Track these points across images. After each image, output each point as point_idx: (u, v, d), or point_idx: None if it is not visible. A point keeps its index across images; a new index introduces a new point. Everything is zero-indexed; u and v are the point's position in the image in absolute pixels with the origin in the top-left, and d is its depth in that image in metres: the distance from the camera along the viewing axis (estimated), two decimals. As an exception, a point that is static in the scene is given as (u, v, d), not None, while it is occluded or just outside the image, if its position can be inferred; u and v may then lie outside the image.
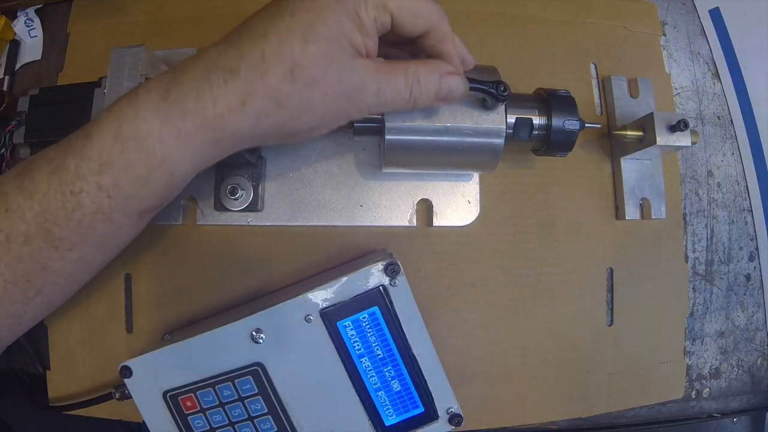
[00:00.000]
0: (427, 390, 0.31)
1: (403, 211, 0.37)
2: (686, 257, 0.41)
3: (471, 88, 0.29)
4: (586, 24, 0.41)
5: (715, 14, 0.44)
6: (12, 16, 0.41)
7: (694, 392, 0.41)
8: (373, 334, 0.31)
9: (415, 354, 0.31)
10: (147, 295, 0.36)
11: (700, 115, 0.43)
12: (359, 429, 0.32)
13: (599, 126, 0.37)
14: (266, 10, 0.25)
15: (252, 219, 0.36)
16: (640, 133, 0.36)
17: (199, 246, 0.36)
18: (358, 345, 0.31)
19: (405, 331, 0.31)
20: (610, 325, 0.39)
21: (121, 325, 0.36)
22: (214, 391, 0.30)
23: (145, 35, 0.39)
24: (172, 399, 0.31)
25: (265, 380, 0.30)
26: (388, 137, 0.30)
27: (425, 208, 0.37)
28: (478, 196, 0.37)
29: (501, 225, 0.38)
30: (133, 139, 0.24)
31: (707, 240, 0.42)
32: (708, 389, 0.41)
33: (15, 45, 0.41)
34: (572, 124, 0.33)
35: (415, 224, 0.37)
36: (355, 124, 0.31)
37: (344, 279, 0.30)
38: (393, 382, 0.31)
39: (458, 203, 0.37)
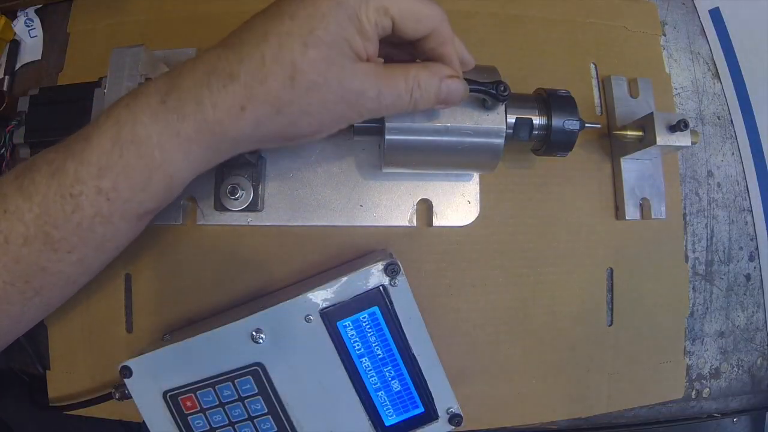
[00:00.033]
0: (427, 390, 0.31)
1: (403, 211, 0.37)
2: (686, 257, 0.41)
3: (471, 90, 0.29)
4: (586, 24, 0.41)
5: (715, 14, 0.44)
6: (12, 16, 0.41)
7: (694, 392, 0.41)
8: (373, 334, 0.31)
9: (415, 354, 0.31)
10: (147, 295, 0.36)
11: (700, 115, 0.43)
12: (359, 429, 0.32)
13: (599, 126, 0.37)
14: (266, 13, 0.25)
15: (252, 219, 0.36)
16: (640, 133, 0.36)
17: (199, 246, 0.36)
18: (358, 345, 0.31)
19: (405, 331, 0.31)
20: (610, 325, 0.39)
21: (121, 325, 0.36)
22: (214, 391, 0.30)
23: (145, 35, 0.39)
24: (172, 399, 0.31)
25: (265, 380, 0.30)
26: (388, 137, 0.30)
27: (425, 208, 0.37)
28: (478, 196, 0.37)
29: (501, 225, 0.38)
30: (132, 143, 0.24)
31: (707, 240, 0.42)
32: (708, 389, 0.41)
33: (15, 45, 0.41)
34: (572, 124, 0.33)
35: (415, 224, 0.37)
36: (355, 125, 0.31)
37: (344, 279, 0.30)
38: (393, 382, 0.31)
39: (458, 203, 0.37)
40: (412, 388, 0.31)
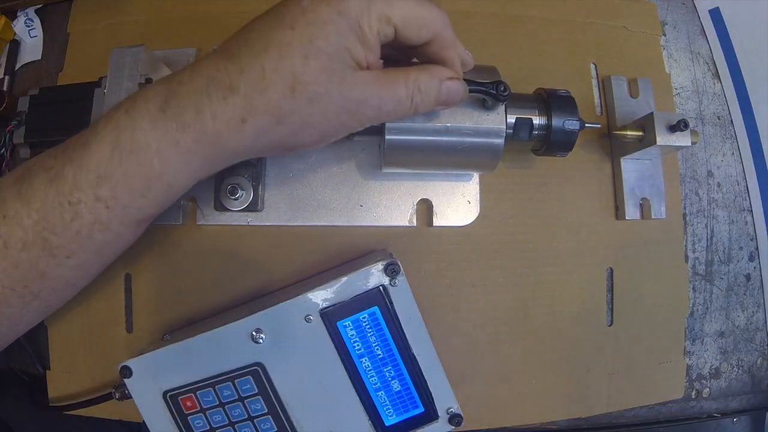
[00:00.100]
0: (427, 390, 0.31)
1: (403, 211, 0.37)
2: (686, 257, 0.41)
3: (471, 91, 0.29)
4: (586, 24, 0.41)
5: (715, 14, 0.44)
6: (12, 16, 0.41)
7: (694, 392, 0.41)
8: (373, 334, 0.31)
9: (415, 354, 0.31)
10: (147, 295, 0.36)
11: (700, 115, 0.43)
12: (359, 429, 0.32)
13: (599, 126, 0.37)
14: (266, 20, 0.24)
15: (252, 219, 0.36)
16: (640, 133, 0.36)
17: (199, 246, 0.36)
18: (358, 345, 0.31)
19: (405, 331, 0.31)
20: (610, 325, 0.39)
21: (121, 325, 0.36)
22: (214, 391, 0.30)
23: (145, 35, 0.39)
24: (172, 399, 0.31)
25: (265, 380, 0.30)
26: (388, 137, 0.30)
27: (425, 208, 0.37)
28: (478, 196, 0.37)
29: (501, 225, 0.38)
30: (131, 151, 0.24)
31: (707, 240, 0.42)
32: (708, 389, 0.41)
33: (15, 45, 0.41)
34: (572, 124, 0.33)
35: (415, 224, 0.37)
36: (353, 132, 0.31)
37: (344, 279, 0.30)
38: (393, 382, 0.31)
39: (458, 203, 0.37)
40: (412, 388, 0.31)
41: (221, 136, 0.24)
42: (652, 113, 0.35)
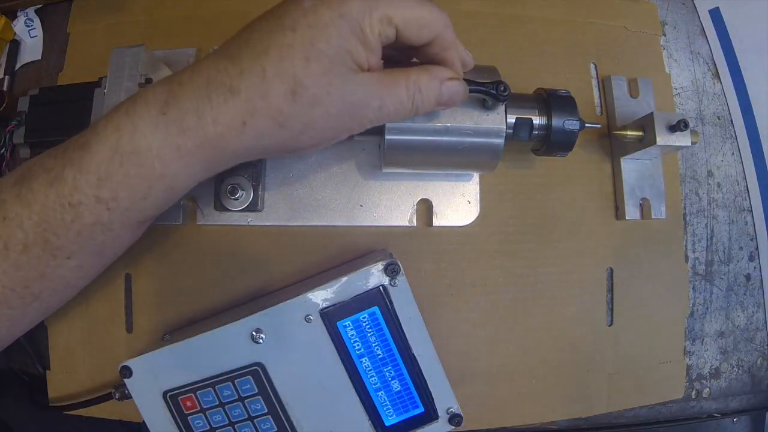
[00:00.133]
0: (427, 390, 0.31)
1: (403, 211, 0.37)
2: (686, 257, 0.41)
3: (471, 91, 0.29)
4: (586, 24, 0.41)
5: (715, 14, 0.44)
6: (12, 16, 0.41)
7: (694, 392, 0.41)
8: (373, 334, 0.31)
9: (415, 354, 0.31)
10: (147, 295, 0.36)
11: (700, 115, 0.43)
12: (359, 429, 0.32)
13: (599, 126, 0.37)
14: (266, 21, 0.24)
15: (252, 219, 0.36)
16: (640, 133, 0.36)
17: (199, 246, 0.36)
18: (358, 345, 0.31)
19: (405, 331, 0.31)
20: (610, 325, 0.39)
21: (121, 325, 0.36)
22: (214, 391, 0.30)
23: (145, 35, 0.39)
24: (172, 399, 0.31)
25: (265, 380, 0.30)
26: (388, 137, 0.30)
27: (425, 208, 0.37)
28: (478, 196, 0.37)
29: (501, 225, 0.38)
30: (132, 153, 0.24)
31: (707, 240, 0.42)
32: (708, 389, 0.41)
33: (15, 45, 0.41)
34: (572, 124, 0.33)
35: (415, 224, 0.37)
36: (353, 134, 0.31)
37: (344, 279, 0.30)
38: (393, 382, 0.31)
39: (458, 203, 0.37)
40: (412, 388, 0.31)
41: (222, 139, 0.24)
42: (652, 113, 0.35)
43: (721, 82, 0.44)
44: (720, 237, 0.42)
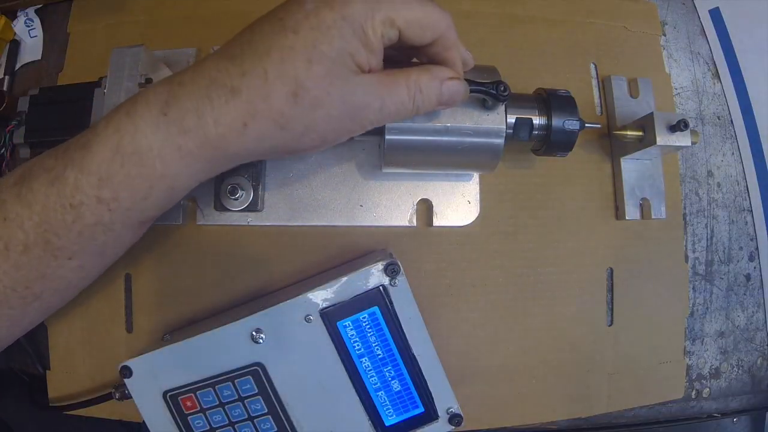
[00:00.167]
0: (427, 390, 0.31)
1: (403, 211, 0.37)
2: (686, 257, 0.41)
3: (471, 90, 0.29)
4: (586, 24, 0.41)
5: (715, 14, 0.44)
6: (12, 16, 0.41)
7: (694, 392, 0.41)
8: (373, 334, 0.31)
9: (415, 354, 0.31)
10: (147, 295, 0.36)
11: (700, 115, 0.43)
12: (359, 429, 0.32)
13: (599, 126, 0.37)
14: (268, 23, 0.24)
15: (252, 219, 0.36)
16: (640, 133, 0.36)
17: (199, 246, 0.36)
18: (358, 345, 0.31)
19: (405, 331, 0.31)
20: (610, 325, 0.39)
21: (121, 325, 0.36)
22: (214, 391, 0.30)
23: (145, 35, 0.39)
24: (172, 399, 0.31)
25: (265, 380, 0.30)
26: (388, 137, 0.30)
27: (425, 208, 0.37)
28: (478, 196, 0.37)
29: (501, 225, 0.38)
30: (133, 154, 0.24)
31: (707, 240, 0.42)
32: (708, 389, 0.41)
33: (15, 45, 0.41)
34: (572, 124, 0.33)
35: (415, 224, 0.37)
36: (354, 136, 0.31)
37: (344, 279, 0.30)
38: (393, 382, 0.31)
39: (458, 203, 0.37)
40: (412, 388, 0.31)
41: (223, 140, 0.24)
42: (652, 113, 0.35)
43: (721, 82, 0.44)
44: (720, 237, 0.42)
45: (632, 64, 0.41)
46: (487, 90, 0.29)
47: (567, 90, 0.34)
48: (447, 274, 0.37)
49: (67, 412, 0.35)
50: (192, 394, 0.30)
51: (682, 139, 0.35)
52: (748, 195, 0.43)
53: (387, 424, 0.32)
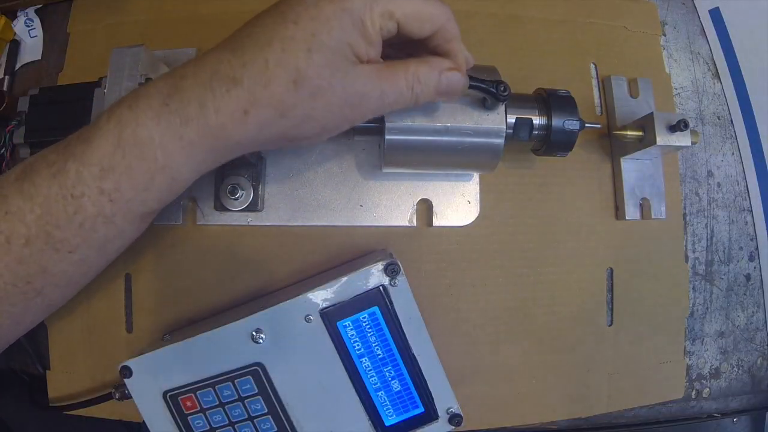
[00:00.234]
0: (427, 390, 0.31)
1: (403, 211, 0.37)
2: (686, 257, 0.41)
3: (471, 86, 0.29)
4: (586, 24, 0.41)
5: (715, 14, 0.44)
6: (12, 16, 0.41)
7: (694, 392, 0.41)
8: (373, 334, 0.31)
9: (415, 354, 0.31)
10: (147, 295, 0.36)
11: (700, 115, 0.43)
12: (359, 429, 0.32)
13: (599, 126, 0.37)
14: (269, 15, 0.25)
15: (252, 219, 0.36)
16: (640, 133, 0.36)
17: (199, 246, 0.36)
18: (358, 345, 0.31)
19: (405, 331, 0.31)
20: (610, 325, 0.39)
21: (121, 325, 0.36)
22: (214, 391, 0.30)
23: (145, 35, 0.39)
24: (172, 399, 0.31)
25: (265, 380, 0.30)
26: (388, 137, 0.30)
27: (425, 208, 0.37)
28: (478, 196, 0.37)
29: (501, 225, 0.38)
30: (135, 145, 0.24)
31: (707, 240, 0.42)
32: (708, 389, 0.41)
33: (15, 45, 0.41)
34: (572, 124, 0.33)
35: (415, 224, 0.37)
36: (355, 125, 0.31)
37: (344, 279, 0.30)
38: (393, 382, 0.31)
39: (458, 203, 0.37)
40: (412, 388, 0.31)
41: (224, 129, 0.24)
42: (652, 113, 0.35)
43: (721, 82, 0.44)
44: (720, 237, 0.42)
45: (632, 64, 0.41)
46: (487, 89, 0.29)
47: (567, 90, 0.34)
48: (447, 274, 0.37)
49: (67, 412, 0.35)
50: (192, 394, 0.30)
51: (682, 139, 0.35)
52: (748, 195, 0.43)
53: (387, 424, 0.32)
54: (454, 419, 0.32)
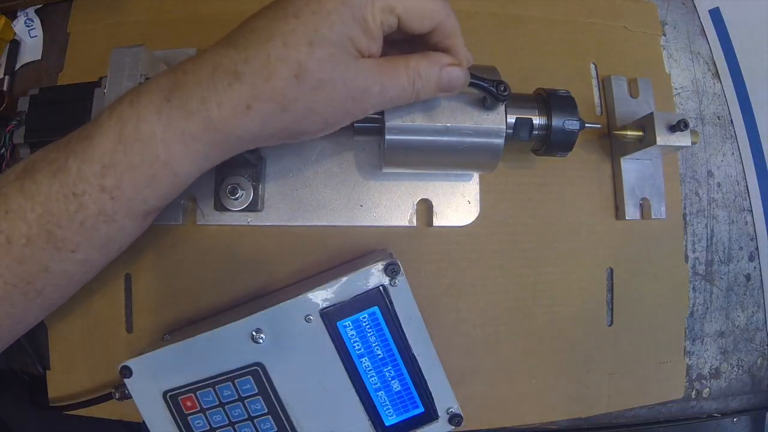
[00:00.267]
0: (427, 390, 0.31)
1: (403, 211, 0.37)
2: (686, 257, 0.41)
3: (471, 84, 0.29)
4: (586, 24, 0.41)
5: (715, 14, 0.44)
6: (12, 16, 0.41)
7: (694, 392, 0.41)
8: (373, 334, 0.31)
9: (415, 354, 0.31)
10: (147, 295, 0.36)
11: (700, 115, 0.43)
12: (359, 429, 0.32)
13: (599, 126, 0.37)
14: (270, 10, 0.25)
15: (252, 219, 0.36)
16: (640, 133, 0.36)
17: (199, 246, 0.36)
18: (358, 345, 0.31)
19: (405, 331, 0.31)
20: (610, 325, 0.39)
21: (121, 325, 0.36)
22: (214, 391, 0.30)
23: (145, 35, 0.39)
24: (172, 399, 0.31)
25: (265, 380, 0.30)
26: (388, 137, 0.30)
27: (425, 208, 0.37)
28: (478, 196, 0.37)
29: (501, 225, 0.38)
30: (137, 141, 0.24)
31: (707, 240, 0.42)
32: (708, 389, 0.41)
33: (15, 45, 0.41)
34: (572, 124, 0.33)
35: (415, 224, 0.37)
36: (355, 125, 0.31)
37: (344, 279, 0.30)
38: (393, 382, 0.31)
39: (458, 203, 0.37)
40: (412, 388, 0.31)
41: (227, 123, 0.24)
42: (652, 113, 0.35)
43: (721, 82, 0.44)
44: (720, 237, 0.42)
45: (632, 64, 0.41)
46: (488, 87, 0.29)
47: (567, 90, 0.34)
48: (447, 274, 0.37)
49: (67, 412, 0.35)
50: (192, 394, 0.30)
51: (682, 139, 0.35)
52: (748, 195, 0.43)
53: (387, 424, 0.32)
54: (454, 419, 0.32)
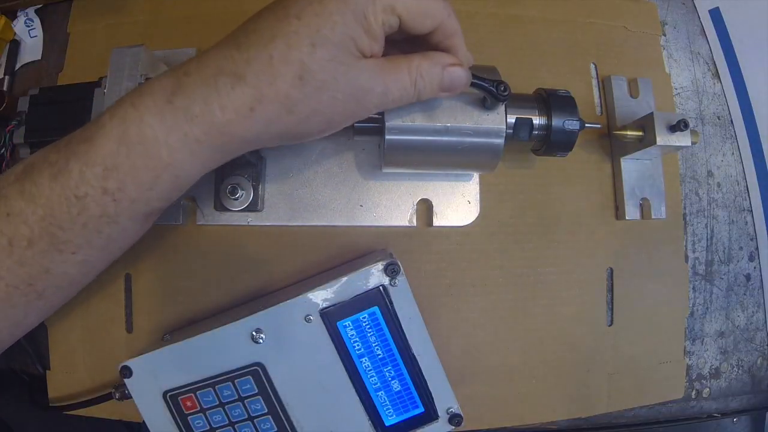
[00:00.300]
0: (427, 390, 0.31)
1: (403, 211, 0.37)
2: (686, 257, 0.41)
3: (472, 84, 0.29)
4: (586, 24, 0.41)
5: (715, 14, 0.44)
6: (12, 16, 0.41)
7: (694, 392, 0.41)
8: (373, 334, 0.31)
9: (415, 354, 0.31)
10: (147, 295, 0.36)
11: (700, 115, 0.43)
12: (359, 429, 0.32)
13: (599, 126, 0.37)
14: (271, 11, 0.25)
15: (252, 219, 0.36)
16: (640, 133, 0.36)
17: (199, 246, 0.36)
18: (358, 345, 0.31)
19: (405, 331, 0.31)
20: (610, 325, 0.39)
21: (121, 325, 0.36)
22: (214, 391, 0.30)
23: (145, 35, 0.39)
24: (172, 399, 0.31)
25: (265, 380, 0.30)
26: (388, 137, 0.30)
27: (425, 208, 0.37)
28: (478, 196, 0.37)
29: (501, 225, 0.38)
30: (139, 144, 0.24)
31: (707, 240, 0.42)
32: (708, 389, 0.41)
33: (15, 45, 0.41)
34: (572, 124, 0.33)
35: (415, 224, 0.37)
36: (355, 125, 0.31)
37: (344, 279, 0.30)
38: (393, 382, 0.31)
39: (458, 203, 0.37)
40: (412, 388, 0.31)
41: (230, 125, 0.24)
42: (652, 113, 0.35)
43: (721, 82, 0.44)
44: (720, 237, 0.42)
45: (632, 64, 0.42)
46: (488, 87, 0.29)
47: (567, 90, 0.34)
48: (447, 274, 0.37)
49: (67, 412, 0.35)
50: (192, 394, 0.30)
51: (682, 139, 0.35)
52: (748, 195, 0.43)
53: (387, 424, 0.32)
54: (454, 419, 0.32)
